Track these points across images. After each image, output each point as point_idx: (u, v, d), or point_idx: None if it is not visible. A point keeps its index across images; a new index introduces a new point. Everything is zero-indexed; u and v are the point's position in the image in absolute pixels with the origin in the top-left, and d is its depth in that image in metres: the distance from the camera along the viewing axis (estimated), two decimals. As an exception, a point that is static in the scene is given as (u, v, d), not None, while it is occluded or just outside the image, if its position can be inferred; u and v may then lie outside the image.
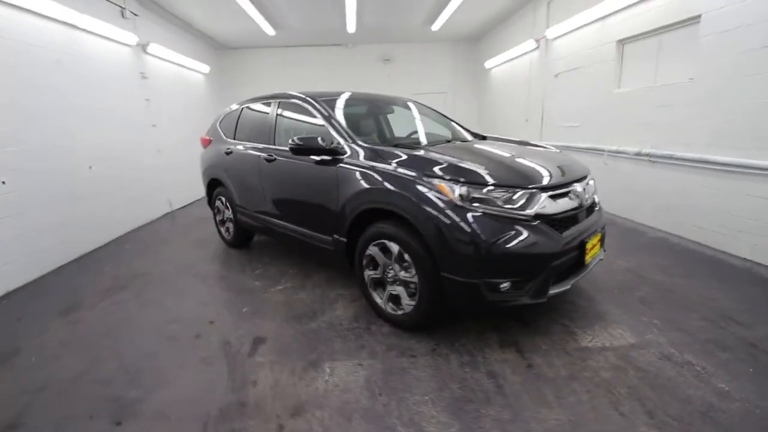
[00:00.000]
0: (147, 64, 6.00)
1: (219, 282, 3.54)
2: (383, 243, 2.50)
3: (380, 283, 2.66)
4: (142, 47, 5.83)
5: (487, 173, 2.22)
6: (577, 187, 2.44)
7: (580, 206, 2.43)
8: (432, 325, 2.53)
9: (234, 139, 4.18)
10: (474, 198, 2.15)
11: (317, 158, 2.94)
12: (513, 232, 2.11)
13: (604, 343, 2.35)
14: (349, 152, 2.77)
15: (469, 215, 2.12)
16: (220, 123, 4.58)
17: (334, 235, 2.91)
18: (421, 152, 2.56)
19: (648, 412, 1.80)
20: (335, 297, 3.11)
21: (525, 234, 2.12)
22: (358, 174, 2.63)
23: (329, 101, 3.23)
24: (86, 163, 4.56)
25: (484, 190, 2.16)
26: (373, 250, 2.59)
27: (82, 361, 2.39)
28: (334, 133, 2.92)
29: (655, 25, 4.25)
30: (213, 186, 4.57)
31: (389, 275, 2.55)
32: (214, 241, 4.77)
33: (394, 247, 2.42)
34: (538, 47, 6.81)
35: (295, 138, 2.88)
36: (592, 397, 1.91)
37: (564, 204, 2.32)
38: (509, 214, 2.14)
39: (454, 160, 2.36)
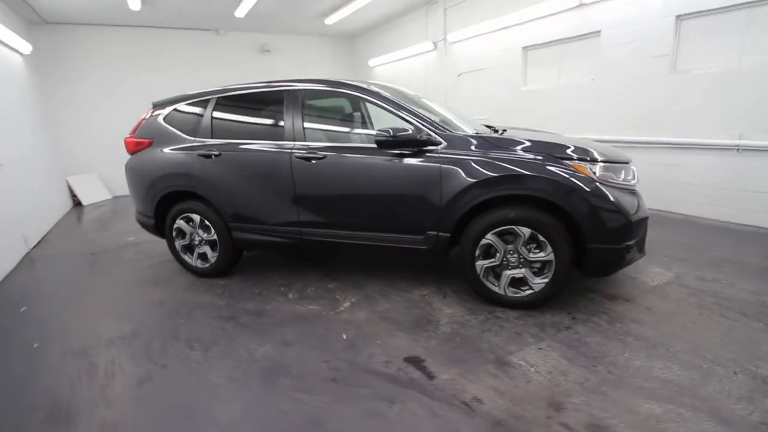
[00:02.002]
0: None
1: (261, 318, 2.79)
2: (506, 229, 2.53)
3: (491, 270, 2.68)
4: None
5: (600, 152, 2.54)
6: None
7: None
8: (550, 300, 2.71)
9: (212, 138, 3.28)
10: (600, 174, 2.45)
11: (395, 152, 2.70)
12: (636, 200, 2.51)
13: (661, 280, 3.02)
14: (445, 143, 2.65)
15: (608, 189, 2.40)
16: (165, 118, 3.49)
17: (429, 232, 2.73)
18: (530, 135, 2.70)
19: (742, 313, 2.49)
20: (422, 299, 2.92)
21: (639, 200, 2.55)
22: (472, 163, 2.55)
23: (383, 88, 2.97)
24: None
25: (606, 167, 2.48)
26: (491, 238, 2.58)
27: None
28: (418, 124, 2.71)
29: (559, 36, 5.40)
30: (166, 203, 3.46)
31: (511, 260, 2.60)
32: (165, 275, 3.65)
33: (525, 231, 2.50)
34: (435, 49, 7.54)
35: (382, 130, 2.57)
36: (708, 316, 2.49)
37: (631, 175, 2.86)
38: (625, 185, 2.52)
39: (569, 142, 2.59)
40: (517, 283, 2.63)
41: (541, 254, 2.52)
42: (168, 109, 3.52)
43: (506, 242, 2.59)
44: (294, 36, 9.27)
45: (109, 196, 7.77)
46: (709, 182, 4.25)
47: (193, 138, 3.34)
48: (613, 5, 4.69)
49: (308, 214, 3.03)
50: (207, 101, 3.37)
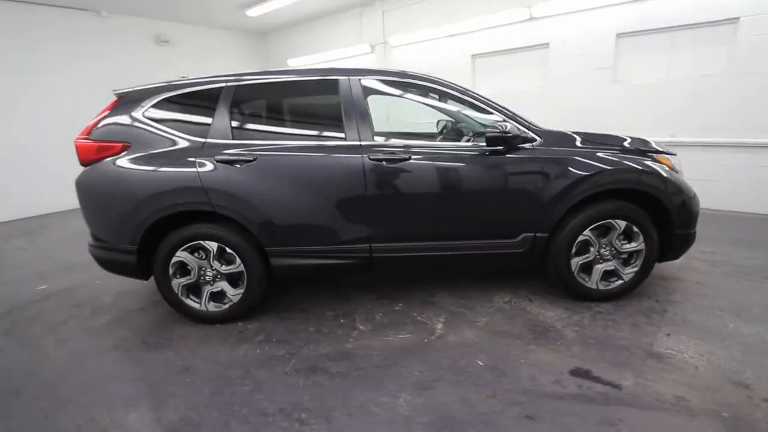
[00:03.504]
0: None
1: (355, 362, 2.23)
2: (606, 223, 2.56)
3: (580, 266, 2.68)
4: None
5: (657, 145, 2.77)
6: None
7: None
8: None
9: (232, 138, 2.50)
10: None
11: (489, 150, 2.50)
12: (691, 186, 2.82)
13: (689, 264, 3.41)
14: (540, 139, 2.55)
15: (683, 179, 2.64)
16: (146, 114, 2.54)
17: (525, 234, 2.59)
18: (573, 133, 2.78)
19: (762, 276, 3.02)
20: (512, 306, 2.76)
21: (690, 187, 2.88)
22: (574, 160, 2.52)
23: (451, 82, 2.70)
24: None
25: (672, 158, 2.73)
26: (588, 234, 2.58)
27: None
28: (509, 120, 2.54)
29: (509, 46, 5.83)
30: (156, 230, 2.51)
31: (605, 254, 2.64)
32: (152, 330, 2.68)
33: (621, 223, 2.56)
34: (373, 52, 7.37)
35: (491, 126, 2.37)
36: (743, 282, 2.95)
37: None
38: (680, 174, 2.81)
39: (634, 136, 2.75)
40: (606, 275, 2.69)
41: (633, 245, 2.62)
42: (150, 102, 2.56)
43: (598, 236, 2.62)
44: (198, 26, 7.96)
45: (-60, 232, 5.37)
46: (648, 173, 5.11)
47: (202, 140, 2.50)
48: (562, 21, 5.29)
49: (383, 227, 2.55)
50: (216, 92, 2.57)
